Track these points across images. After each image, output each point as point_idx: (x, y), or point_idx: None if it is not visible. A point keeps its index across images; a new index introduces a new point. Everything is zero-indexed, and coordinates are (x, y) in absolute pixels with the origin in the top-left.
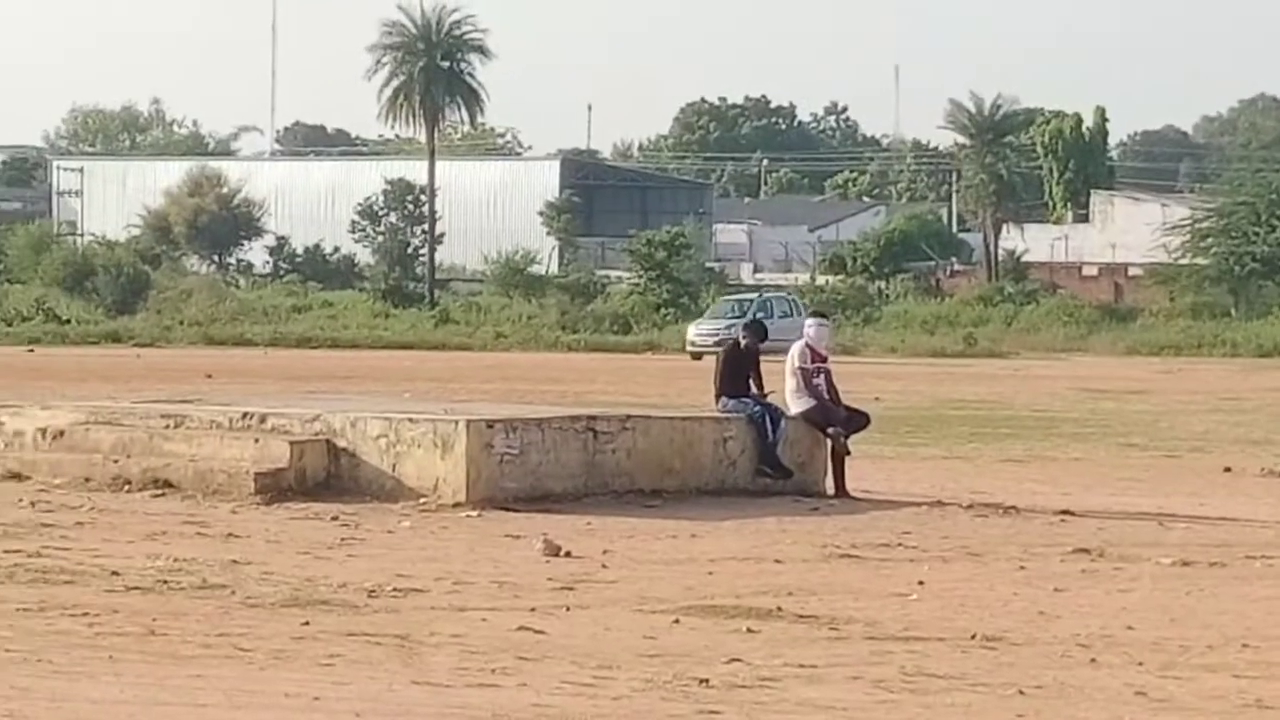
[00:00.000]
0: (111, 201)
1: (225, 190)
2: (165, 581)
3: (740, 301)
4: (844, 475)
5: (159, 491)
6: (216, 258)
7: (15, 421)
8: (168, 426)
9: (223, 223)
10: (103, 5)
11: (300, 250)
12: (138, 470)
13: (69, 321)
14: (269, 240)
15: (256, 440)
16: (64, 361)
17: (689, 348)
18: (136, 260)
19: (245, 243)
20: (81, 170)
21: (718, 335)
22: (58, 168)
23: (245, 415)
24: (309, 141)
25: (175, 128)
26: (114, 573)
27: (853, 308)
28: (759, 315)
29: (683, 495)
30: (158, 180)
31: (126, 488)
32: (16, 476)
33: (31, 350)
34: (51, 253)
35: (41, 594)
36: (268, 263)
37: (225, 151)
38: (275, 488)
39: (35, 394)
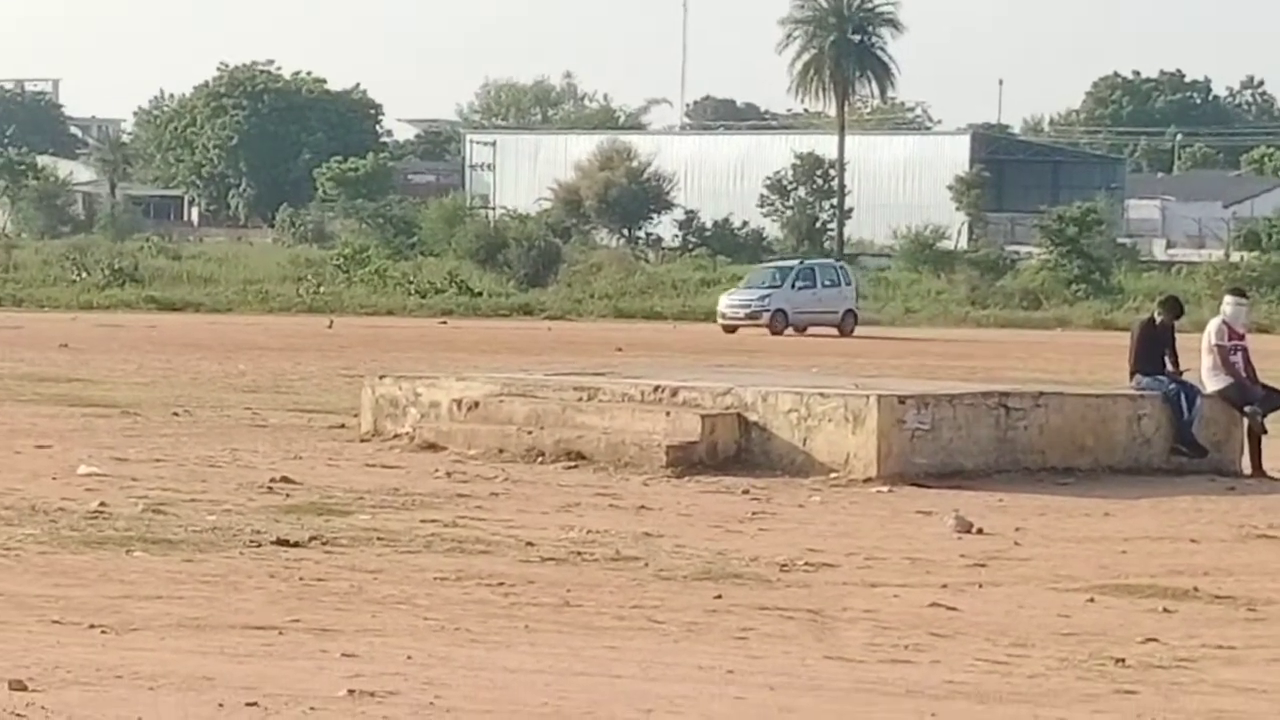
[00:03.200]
0: (523, 175)
1: (635, 164)
2: (579, 553)
3: (779, 269)
4: (1260, 454)
5: (571, 463)
6: (626, 231)
7: (431, 393)
8: (580, 399)
9: (632, 196)
10: None
11: (709, 224)
12: (550, 442)
13: (481, 294)
14: (678, 214)
15: (668, 413)
16: (476, 333)
17: (720, 320)
18: (547, 233)
19: (654, 216)
20: (494, 144)
21: (750, 306)
22: (471, 141)
23: (657, 388)
24: (718, 115)
25: (586, 102)
26: (529, 543)
27: (1268, 285)
28: (799, 284)
29: (1095, 473)
30: (569, 154)
31: (539, 459)
32: (432, 447)
33: (444, 322)
34: (464, 226)
35: (458, 563)
36: (676, 236)
37: (635, 125)
38: (686, 461)
39: (449, 366)
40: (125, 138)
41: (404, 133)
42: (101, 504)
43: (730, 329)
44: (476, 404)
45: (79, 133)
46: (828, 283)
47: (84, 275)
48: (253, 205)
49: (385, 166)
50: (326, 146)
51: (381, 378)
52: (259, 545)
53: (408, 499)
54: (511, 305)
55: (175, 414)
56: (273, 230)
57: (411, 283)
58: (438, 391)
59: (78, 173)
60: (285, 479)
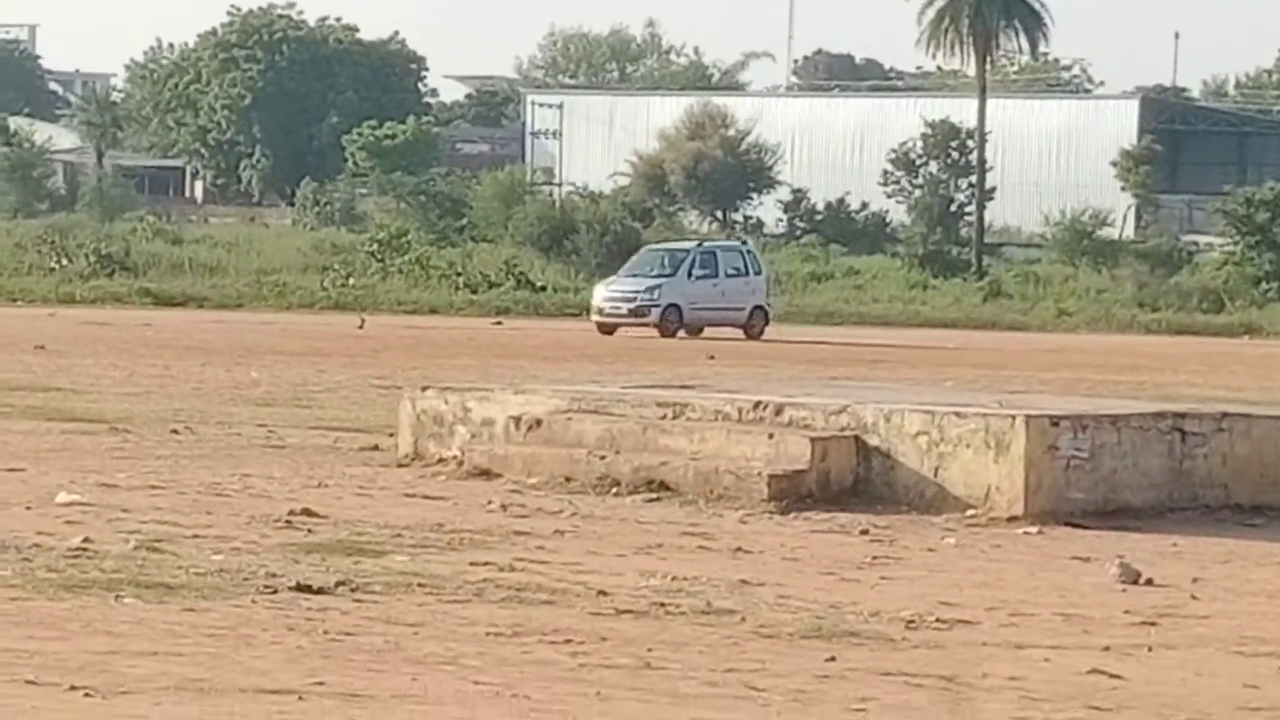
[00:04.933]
0: (595, 144)
1: (732, 132)
2: (662, 604)
3: (670, 253)
4: None
5: (653, 495)
6: (720, 214)
7: (483, 408)
8: (664, 417)
9: (728, 171)
10: None
11: (820, 206)
12: (628, 469)
13: (543, 288)
14: (783, 193)
15: (771, 435)
16: (537, 336)
17: (594, 317)
18: (625, 216)
19: (754, 196)
20: (560, 106)
21: (635, 300)
22: (532, 103)
23: (757, 405)
24: (833, 73)
25: (673, 56)
26: (601, 592)
27: None
28: (696, 273)
29: None
30: (651, 119)
31: (614, 489)
32: (485, 474)
33: (499, 323)
34: (524, 205)
35: (516, 615)
36: (781, 220)
37: (732, 85)
38: (793, 493)
39: (506, 375)
40: (115, 96)
41: (451, 92)
42: (85, 540)
43: (607, 329)
44: (538, 422)
45: (59, 89)
46: (732, 271)
47: (65, 262)
48: (268, 179)
49: (429, 133)
50: (358, 108)
51: (423, 390)
52: (275, 591)
53: (455, 537)
54: (580, 302)
55: (174, 431)
56: (292, 210)
57: (460, 274)
58: (492, 407)
59: (58, 138)
60: (306, 511)
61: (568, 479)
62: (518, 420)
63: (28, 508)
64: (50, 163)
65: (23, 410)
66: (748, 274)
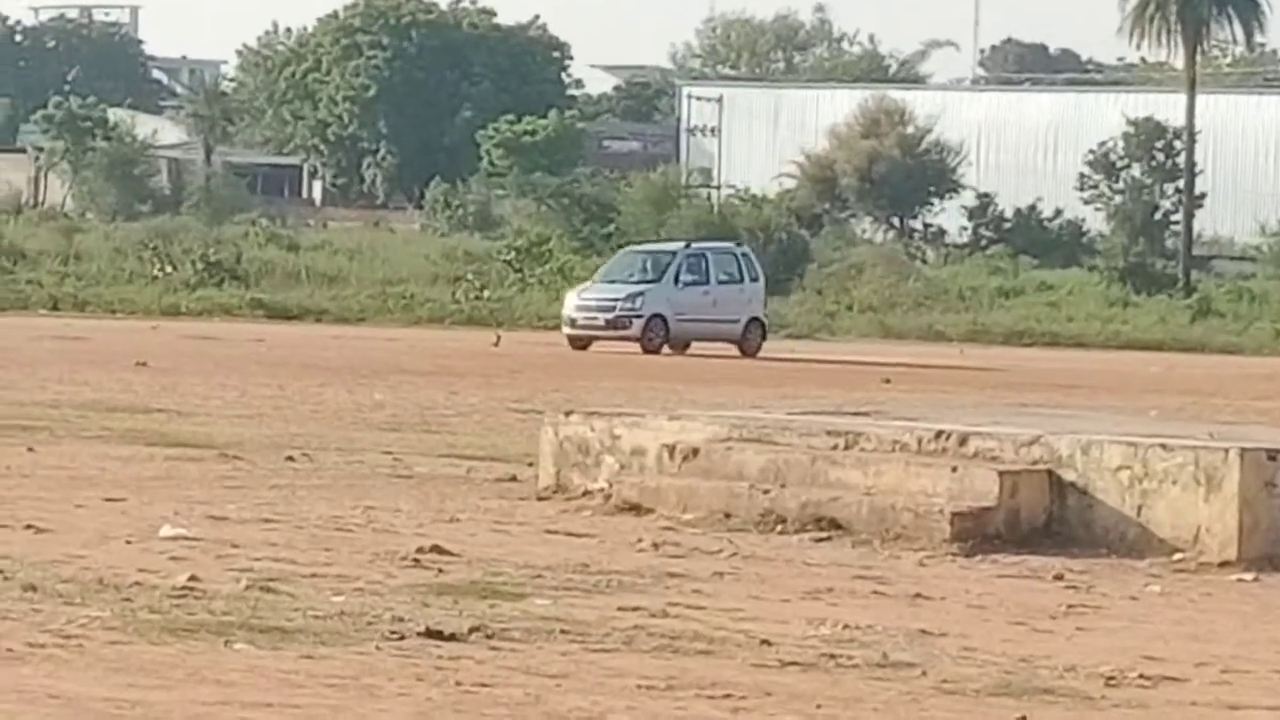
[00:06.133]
0: (758, 142)
1: (910, 130)
2: (832, 655)
3: (653, 255)
4: None
5: (823, 534)
6: (897, 220)
7: (634, 435)
8: (835, 447)
9: (905, 173)
10: None
11: (1009, 212)
12: (795, 504)
13: None
14: (967, 198)
15: (954, 468)
16: (693, 356)
17: (565, 329)
18: (790, 222)
19: (935, 201)
20: (719, 100)
21: (613, 310)
22: (688, 97)
23: (939, 434)
24: (1023, 65)
25: (845, 44)
26: (764, 641)
27: None
28: (684, 279)
29: None
30: (820, 115)
31: (779, 527)
32: (635, 509)
33: None
34: (679, 210)
35: (670, 666)
36: (965, 229)
37: (911, 77)
38: (978, 533)
39: (659, 399)
40: (226, 86)
41: (599, 83)
42: (192, 578)
43: (580, 343)
44: (695, 451)
45: (164, 78)
46: (725, 276)
47: (169, 270)
48: (394, 179)
49: (573, 129)
50: (494, 101)
51: (567, 414)
52: (402, 637)
53: (601, 579)
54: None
55: (290, 458)
56: (420, 213)
57: None
58: (643, 434)
59: (162, 132)
60: (437, 549)
61: (727, 515)
62: (672, 449)
63: (128, 542)
64: (153, 159)
65: (122, 434)
66: (743, 280)
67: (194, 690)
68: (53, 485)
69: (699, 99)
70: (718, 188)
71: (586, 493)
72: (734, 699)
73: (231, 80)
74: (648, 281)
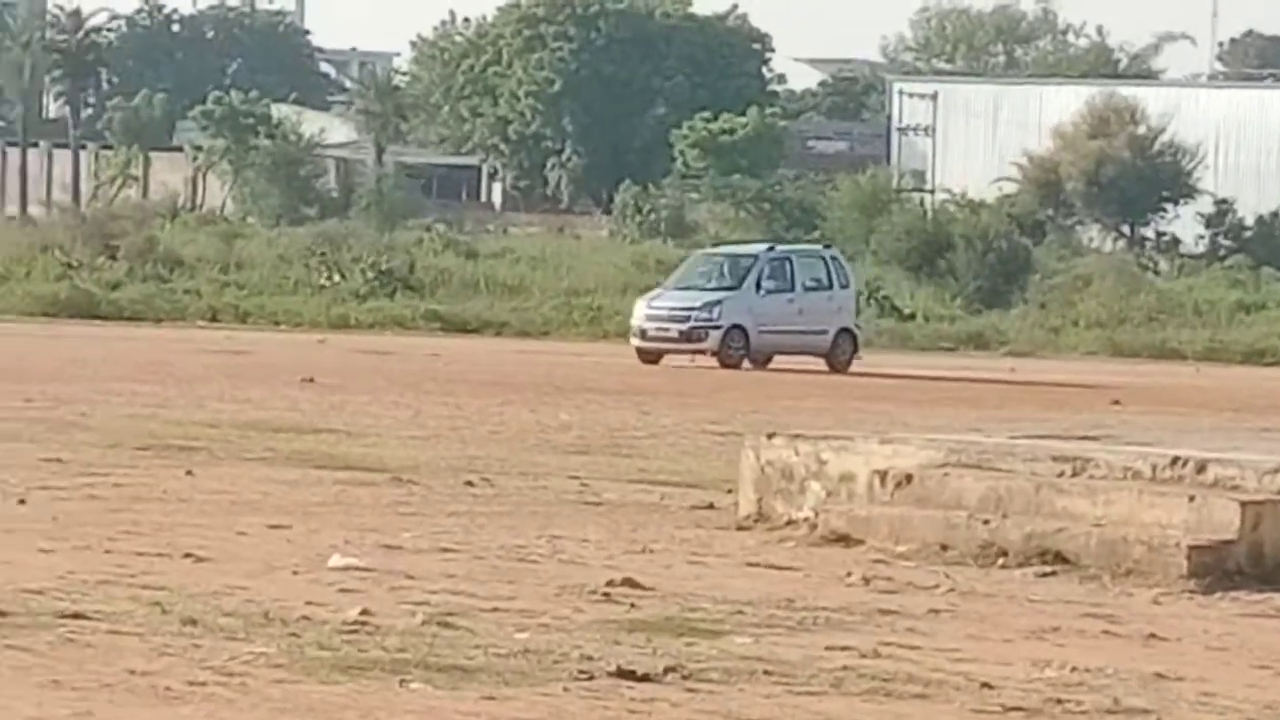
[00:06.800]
0: (976, 142)
1: (1142, 130)
2: (1059, 700)
3: (732, 260)
4: None
5: (1048, 568)
6: (1126, 228)
7: (842, 460)
8: (1062, 474)
9: (1137, 177)
10: None
11: (1249, 220)
12: (1018, 536)
13: (913, 316)
14: (1204, 205)
15: (1191, 498)
16: (901, 374)
17: (635, 340)
18: (1011, 229)
19: (1168, 207)
20: (934, 96)
21: (689, 319)
22: (900, 92)
23: (1174, 461)
24: (1266, 60)
25: (1071, 36)
26: (985, 685)
27: None
28: (766, 285)
29: None
30: (1043, 113)
31: (1000, 561)
32: (843, 540)
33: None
34: (889, 216)
35: (882, 711)
36: (1202, 238)
37: (1143, 73)
38: (1218, 568)
39: (868, 421)
40: (399, 80)
41: (803, 78)
42: (364, 612)
43: (650, 357)
44: (909, 478)
45: (332, 72)
46: (812, 283)
47: (337, 279)
48: (581, 181)
49: (775, 127)
50: (689, 97)
51: (769, 437)
52: (591, 678)
53: (807, 615)
54: (957, 334)
55: (469, 483)
56: (608, 218)
57: None
58: (852, 459)
59: (330, 130)
60: (628, 582)
61: (944, 547)
62: (884, 475)
63: (295, 573)
64: (321, 159)
65: (288, 456)
66: (832, 287)
67: None
68: (213, 511)
69: (912, 95)
70: (931, 191)
71: (790, 522)
72: None
73: (405, 74)
74: (726, 288)
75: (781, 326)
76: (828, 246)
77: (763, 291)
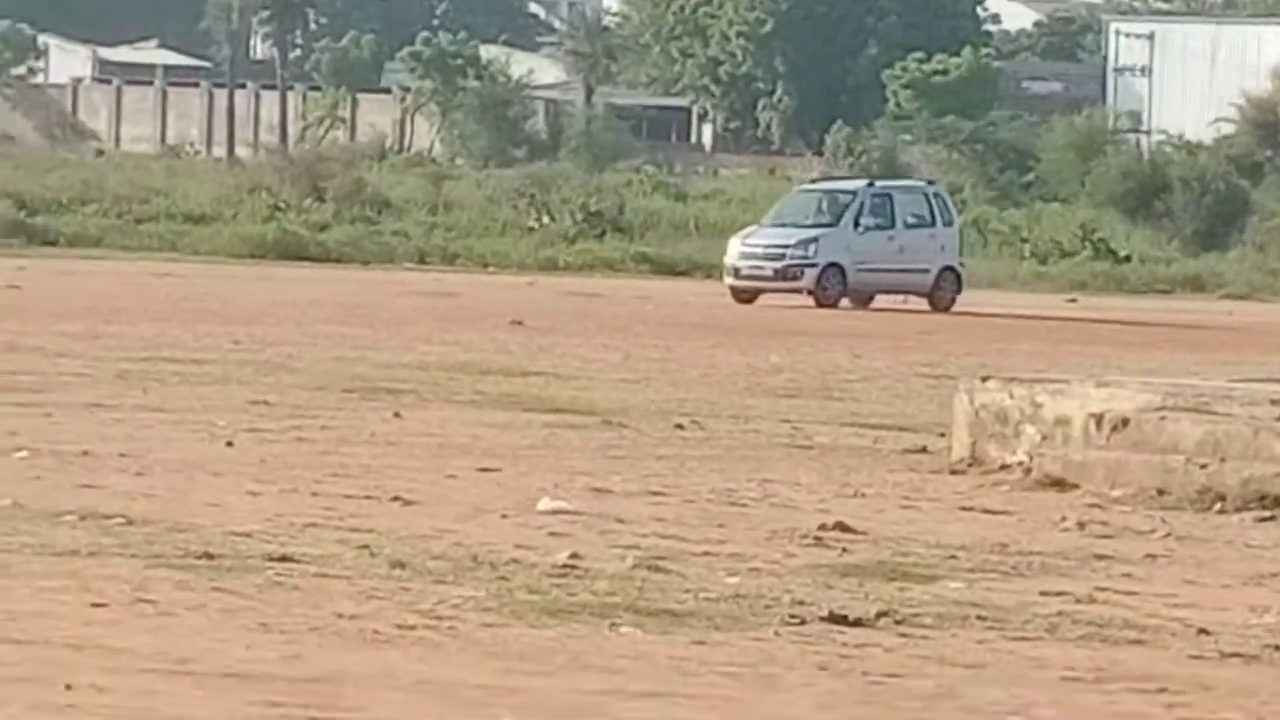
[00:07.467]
0: (1193, 83)
1: None
2: (1277, 646)
3: (830, 195)
4: None
5: (1266, 513)
6: None
7: (1057, 404)
8: None
9: None
10: None
11: None
12: (1236, 481)
13: (1128, 259)
14: None
15: None
16: (1120, 317)
17: (728, 279)
18: (1229, 171)
19: None
20: (1151, 37)
21: (784, 257)
22: (1117, 33)
23: None
24: None
25: None
26: (1202, 631)
27: None
28: (866, 222)
29: None
30: (1263, 53)
31: (1218, 505)
32: (1058, 484)
33: (1073, 300)
34: (1105, 158)
35: (1098, 657)
36: None
37: None
38: None
39: (1083, 364)
40: (608, 21)
41: (1017, 19)
42: (573, 555)
43: (744, 296)
44: (1125, 422)
45: (541, 12)
46: (913, 219)
47: (546, 221)
48: (792, 122)
49: (989, 68)
50: (902, 37)
51: (983, 380)
52: (803, 622)
53: (1021, 560)
54: (1173, 277)
55: (679, 426)
56: (820, 160)
57: (1025, 241)
58: (1067, 402)
59: (539, 70)
60: (840, 526)
61: (1160, 491)
62: (1099, 419)
63: (504, 516)
64: (530, 101)
65: (496, 399)
66: (934, 224)
67: (576, 677)
68: (421, 454)
69: (1128, 35)
70: (1148, 133)
71: (1004, 466)
72: (1169, 693)
73: (615, 14)
74: (823, 225)
75: (881, 264)
76: (931, 183)
77: (861, 228)
